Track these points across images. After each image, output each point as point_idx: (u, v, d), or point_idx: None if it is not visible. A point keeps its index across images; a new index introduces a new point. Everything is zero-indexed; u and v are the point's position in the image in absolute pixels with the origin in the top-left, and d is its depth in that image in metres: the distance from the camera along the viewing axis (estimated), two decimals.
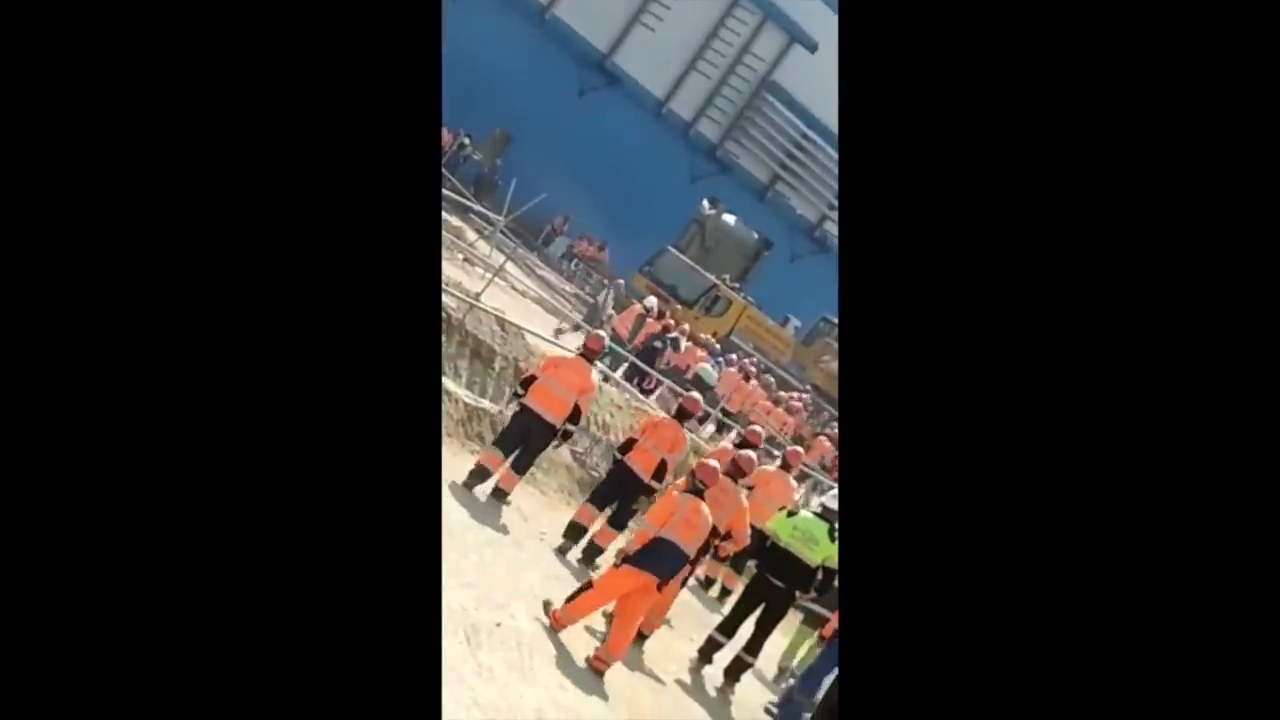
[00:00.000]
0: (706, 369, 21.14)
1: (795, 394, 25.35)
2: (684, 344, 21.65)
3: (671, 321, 22.63)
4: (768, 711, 10.89)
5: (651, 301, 22.99)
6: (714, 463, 10.19)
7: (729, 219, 40.87)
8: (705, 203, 39.69)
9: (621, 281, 25.07)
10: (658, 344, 21.19)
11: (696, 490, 9.74)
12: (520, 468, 11.40)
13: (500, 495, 11.22)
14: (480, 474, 11.15)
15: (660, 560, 9.31)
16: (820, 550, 10.77)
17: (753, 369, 24.12)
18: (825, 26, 36.74)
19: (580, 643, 9.24)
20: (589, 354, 11.96)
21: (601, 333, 13.23)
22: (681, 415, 12.09)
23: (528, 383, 11.52)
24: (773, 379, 25.51)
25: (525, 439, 11.32)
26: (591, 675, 8.82)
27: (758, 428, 13.71)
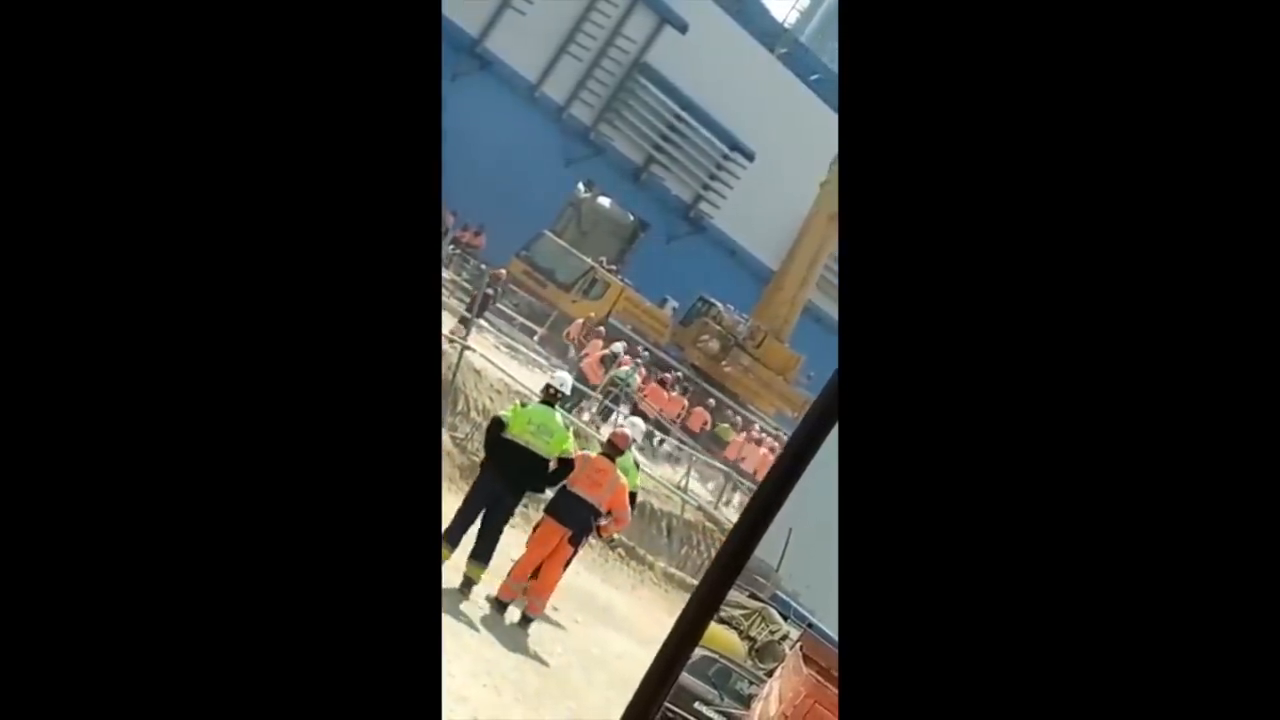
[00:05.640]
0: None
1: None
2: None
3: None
4: None
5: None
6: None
7: (604, 201, 40.88)
8: (580, 186, 39.65)
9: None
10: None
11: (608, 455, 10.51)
12: None
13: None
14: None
15: (570, 513, 10.11)
16: (555, 442, 10.18)
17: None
18: (695, 7, 36.94)
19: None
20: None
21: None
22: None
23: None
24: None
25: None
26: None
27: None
